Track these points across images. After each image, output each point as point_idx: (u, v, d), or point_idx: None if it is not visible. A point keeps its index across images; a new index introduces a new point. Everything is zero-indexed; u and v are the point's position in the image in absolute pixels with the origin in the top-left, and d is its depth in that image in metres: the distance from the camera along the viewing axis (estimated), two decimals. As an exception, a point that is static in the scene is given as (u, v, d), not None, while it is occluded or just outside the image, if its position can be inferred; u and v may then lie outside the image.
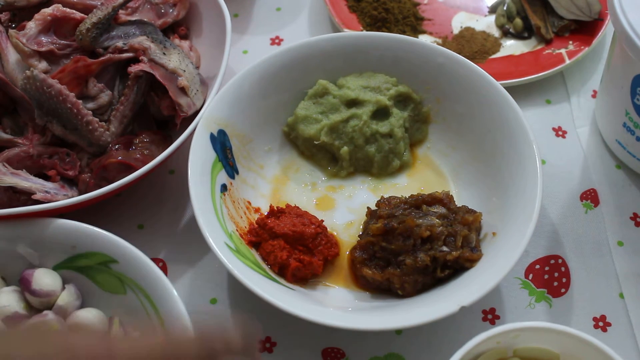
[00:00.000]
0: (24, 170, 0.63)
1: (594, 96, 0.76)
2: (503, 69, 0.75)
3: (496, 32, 0.80)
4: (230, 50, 0.69)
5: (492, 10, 0.82)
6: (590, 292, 0.63)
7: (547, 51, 0.77)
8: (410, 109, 0.70)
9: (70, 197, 0.62)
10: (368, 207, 0.65)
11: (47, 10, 0.67)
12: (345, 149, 0.68)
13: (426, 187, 0.68)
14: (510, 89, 0.73)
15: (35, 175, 0.63)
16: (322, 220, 0.64)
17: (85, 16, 0.68)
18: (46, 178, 0.64)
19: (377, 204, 0.64)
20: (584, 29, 0.78)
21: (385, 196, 0.65)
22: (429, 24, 0.81)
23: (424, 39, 0.79)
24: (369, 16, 0.79)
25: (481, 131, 0.67)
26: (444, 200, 0.62)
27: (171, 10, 0.74)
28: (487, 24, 0.81)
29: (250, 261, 0.59)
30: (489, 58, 0.78)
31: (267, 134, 0.69)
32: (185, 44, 0.72)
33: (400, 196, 0.64)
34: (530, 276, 0.64)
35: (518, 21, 0.80)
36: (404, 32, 0.79)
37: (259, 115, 0.68)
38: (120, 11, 0.70)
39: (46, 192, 0.62)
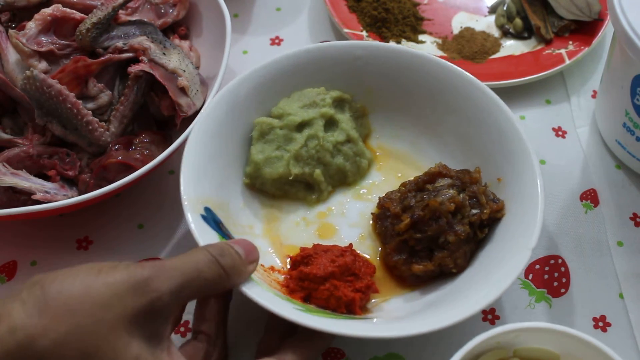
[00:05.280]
0: (23, 170, 0.63)
1: (594, 96, 0.76)
2: (503, 69, 0.75)
3: (496, 32, 0.80)
4: (230, 51, 0.69)
5: (492, 10, 0.83)
6: (590, 292, 0.63)
7: (547, 51, 0.77)
8: (348, 109, 0.69)
9: (70, 197, 0.62)
10: (372, 213, 0.65)
11: (47, 10, 0.67)
12: (317, 171, 0.66)
13: (402, 172, 0.68)
14: (510, 89, 0.73)
15: (35, 175, 0.63)
16: (351, 244, 0.62)
17: (85, 16, 0.68)
18: (46, 178, 0.64)
19: (380, 205, 0.64)
20: (584, 29, 0.78)
21: (378, 196, 0.65)
22: (429, 24, 0.81)
23: (424, 38, 0.79)
24: (369, 16, 0.79)
25: (422, 101, 0.68)
26: (442, 171, 0.62)
27: (171, 10, 0.74)
28: (487, 24, 0.81)
29: (324, 314, 0.57)
30: (489, 58, 0.77)
31: (233, 192, 0.65)
32: (185, 44, 0.72)
33: (398, 189, 0.64)
34: (530, 276, 0.64)
35: (518, 21, 0.80)
36: (403, 32, 0.79)
37: (220, 174, 0.64)
38: (120, 11, 0.70)
39: (46, 192, 0.62)
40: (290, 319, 0.52)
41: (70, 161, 0.65)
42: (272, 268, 0.62)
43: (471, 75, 0.65)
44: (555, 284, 0.64)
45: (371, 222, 0.65)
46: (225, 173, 0.64)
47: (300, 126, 0.66)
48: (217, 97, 0.63)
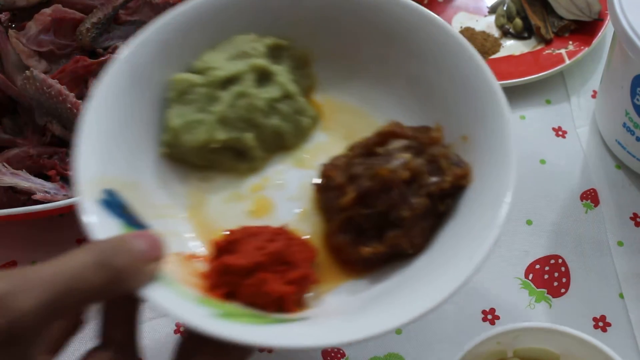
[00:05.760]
0: (23, 170, 0.63)
1: (594, 96, 0.76)
2: (503, 69, 0.76)
3: (496, 32, 0.80)
4: (230, 50, 0.68)
5: (492, 10, 0.83)
6: (590, 292, 0.63)
7: (547, 51, 0.77)
8: (287, 58, 0.59)
9: (70, 197, 0.62)
10: (313, 184, 0.54)
11: (47, 11, 0.67)
12: (248, 135, 0.55)
13: (350, 131, 0.57)
14: (509, 88, 0.73)
15: (35, 175, 0.63)
16: (284, 225, 0.52)
17: (85, 16, 0.68)
18: (46, 178, 0.64)
19: (323, 174, 0.53)
20: (584, 29, 0.78)
21: (320, 163, 0.54)
22: None
23: None
24: None
25: (374, 45, 0.57)
26: (395, 131, 0.52)
27: (171, 10, 0.74)
28: (487, 24, 0.81)
29: (247, 317, 0.46)
30: (489, 58, 0.78)
31: (146, 167, 0.53)
32: (185, 44, 0.72)
33: (342, 153, 0.53)
34: (530, 276, 0.64)
35: (518, 21, 0.80)
36: None
37: (129, 147, 0.52)
38: (120, 11, 0.71)
39: (46, 192, 0.62)
40: (197, 328, 0.42)
41: (70, 161, 0.65)
42: (192, 256, 0.51)
43: (431, 13, 0.55)
44: (555, 284, 0.64)
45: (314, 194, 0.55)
46: (135, 145, 0.53)
47: (227, 82, 0.56)
48: (121, 54, 0.52)
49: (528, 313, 0.62)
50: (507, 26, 0.80)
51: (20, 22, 0.69)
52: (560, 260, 0.65)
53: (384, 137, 0.52)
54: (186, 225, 0.53)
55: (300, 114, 0.57)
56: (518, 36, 0.80)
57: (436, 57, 0.55)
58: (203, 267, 0.50)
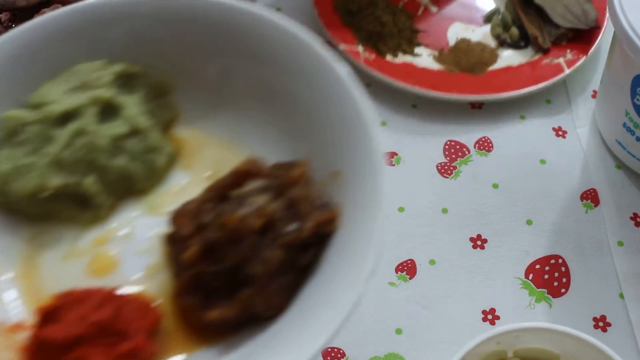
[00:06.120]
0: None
1: (594, 96, 0.76)
2: (503, 81, 0.74)
3: (492, 42, 0.79)
4: (230, 50, 0.68)
5: (487, 19, 0.81)
6: (590, 292, 0.63)
7: (545, 61, 0.76)
8: (140, 87, 0.51)
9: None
10: (163, 234, 0.47)
11: (47, 11, 0.67)
12: (89, 179, 0.48)
13: (217, 168, 0.50)
14: (510, 98, 0.72)
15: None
16: (115, 288, 0.45)
17: (85, 16, 0.68)
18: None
19: (172, 223, 0.46)
20: (581, 37, 0.77)
21: (173, 208, 0.47)
22: (424, 35, 0.79)
23: (420, 51, 0.77)
24: (365, 30, 0.77)
25: (239, 67, 0.51)
26: (251, 170, 0.45)
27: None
28: (482, 34, 0.80)
29: None
30: (488, 70, 0.76)
31: None
32: (185, 44, 0.72)
33: (195, 197, 0.46)
34: (531, 276, 0.64)
35: (514, 30, 0.79)
36: (400, 46, 0.77)
37: None
38: (120, 11, 0.70)
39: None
40: None
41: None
42: (17, 326, 0.44)
43: (305, 35, 0.48)
44: (555, 284, 0.64)
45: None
46: None
47: (64, 118, 0.48)
48: None
49: (528, 313, 0.62)
50: (503, 36, 0.79)
51: (20, 22, 0.68)
52: (560, 260, 0.65)
53: (240, 177, 0.45)
54: (12, 287, 0.46)
55: (153, 152, 0.50)
56: (515, 45, 0.78)
57: (310, 86, 0.48)
58: (28, 339, 0.43)
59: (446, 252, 0.65)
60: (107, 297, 0.44)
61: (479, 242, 0.65)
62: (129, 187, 0.50)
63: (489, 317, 0.62)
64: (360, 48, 0.76)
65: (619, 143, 0.69)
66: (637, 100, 0.63)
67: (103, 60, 0.50)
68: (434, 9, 0.81)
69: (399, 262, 0.64)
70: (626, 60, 0.63)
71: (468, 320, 0.62)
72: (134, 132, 0.49)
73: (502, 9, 0.81)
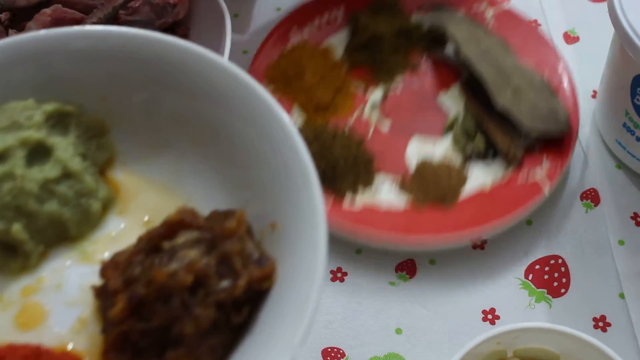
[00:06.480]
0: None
1: (594, 96, 0.76)
2: (478, 213, 0.64)
3: (457, 156, 0.68)
4: (230, 51, 0.69)
5: (448, 128, 0.70)
6: (590, 292, 0.63)
7: (520, 179, 0.66)
8: (74, 127, 0.49)
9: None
10: (93, 286, 0.44)
11: (47, 11, 0.67)
12: (17, 226, 0.45)
13: (152, 214, 0.48)
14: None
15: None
16: (41, 344, 0.42)
17: (85, 16, 0.68)
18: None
19: (102, 274, 0.43)
20: (554, 140, 0.67)
21: (106, 257, 0.45)
22: (381, 159, 0.68)
23: (381, 180, 0.66)
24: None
25: (177, 106, 0.48)
26: (185, 220, 0.42)
27: (171, 11, 0.74)
28: (445, 148, 0.69)
29: None
30: (459, 201, 0.65)
31: None
32: (185, 44, 0.72)
33: (127, 247, 0.43)
34: (530, 276, 0.64)
35: (479, 140, 0.68)
36: (358, 179, 0.66)
37: None
38: (120, 11, 0.70)
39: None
40: None
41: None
42: None
43: (244, 76, 0.46)
44: (555, 284, 0.64)
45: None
46: None
47: None
48: None
49: (528, 313, 0.62)
50: (468, 149, 0.68)
51: (20, 22, 0.69)
52: (560, 260, 0.65)
53: (173, 227, 0.42)
54: None
55: (86, 197, 0.47)
56: (482, 158, 0.67)
57: (249, 130, 0.46)
58: None
59: (446, 252, 0.65)
60: (32, 354, 0.42)
61: (479, 242, 0.65)
62: (61, 234, 0.47)
63: (489, 317, 0.62)
64: None
65: (619, 143, 0.69)
66: (637, 100, 0.63)
67: (33, 99, 0.47)
68: (385, 126, 0.71)
69: (399, 262, 0.64)
70: (626, 60, 0.63)
71: (468, 320, 0.62)
72: (66, 175, 0.47)
73: (463, 113, 0.70)
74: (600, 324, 0.62)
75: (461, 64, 0.72)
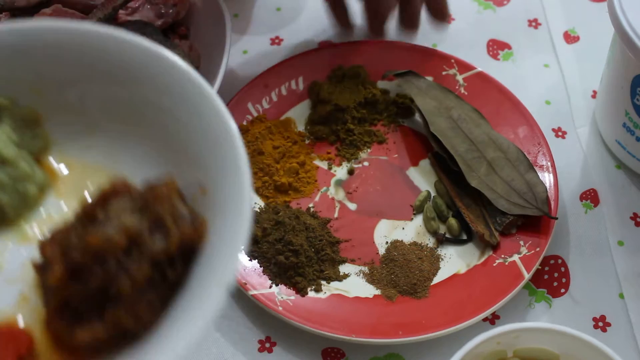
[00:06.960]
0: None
1: (594, 96, 0.76)
2: (455, 301, 0.60)
3: (429, 239, 0.64)
4: (230, 51, 0.69)
5: (418, 210, 0.66)
6: (590, 292, 0.63)
7: (498, 261, 0.62)
8: (7, 118, 0.51)
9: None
10: (33, 262, 0.46)
11: (47, 11, 0.67)
12: None
13: (91, 194, 0.50)
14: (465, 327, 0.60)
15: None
16: None
17: (85, 16, 0.68)
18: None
19: (41, 251, 0.45)
20: (533, 219, 0.64)
21: (44, 235, 0.46)
22: (347, 246, 0.64)
23: (347, 269, 0.63)
24: (275, 264, 0.61)
25: (104, 91, 0.50)
26: (117, 189, 0.45)
27: (171, 10, 0.74)
28: (416, 230, 0.65)
29: None
30: (431, 285, 0.62)
31: None
32: (185, 44, 0.72)
33: (62, 224, 0.45)
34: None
35: (452, 222, 0.64)
36: (322, 272, 0.62)
37: None
38: (120, 11, 0.71)
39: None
40: None
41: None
42: None
43: (164, 51, 0.48)
44: (555, 284, 0.64)
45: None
46: None
47: None
48: None
49: (528, 313, 0.62)
50: (440, 232, 0.64)
51: (20, 22, 0.69)
52: (560, 261, 0.65)
53: (106, 197, 0.44)
54: None
55: (23, 181, 0.49)
56: (457, 241, 0.64)
57: (173, 103, 0.48)
58: None
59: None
60: None
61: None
62: (0, 218, 0.49)
63: (489, 317, 0.62)
64: (274, 289, 0.60)
65: (619, 143, 0.69)
66: (637, 100, 0.63)
67: None
68: (351, 205, 0.67)
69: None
70: (626, 60, 0.63)
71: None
72: (1, 162, 0.48)
73: (433, 193, 0.67)
74: (600, 324, 0.62)
75: (431, 137, 0.68)
